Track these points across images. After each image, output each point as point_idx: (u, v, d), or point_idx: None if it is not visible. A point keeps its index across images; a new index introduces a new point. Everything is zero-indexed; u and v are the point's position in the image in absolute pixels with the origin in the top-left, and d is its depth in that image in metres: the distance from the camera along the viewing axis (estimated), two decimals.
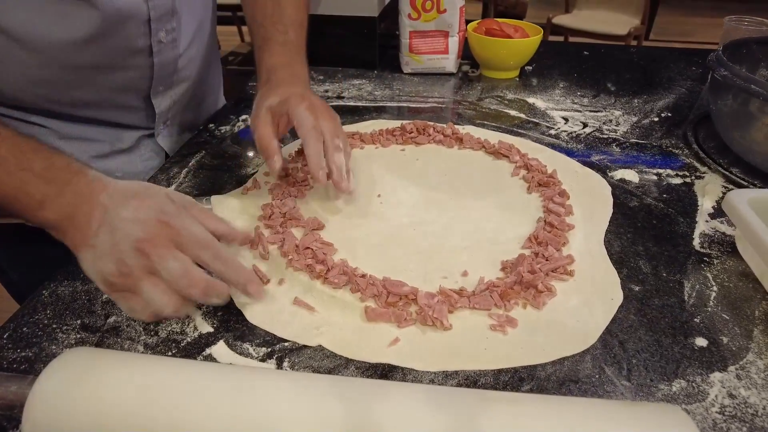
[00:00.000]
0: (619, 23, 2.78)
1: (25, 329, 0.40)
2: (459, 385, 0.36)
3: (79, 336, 0.40)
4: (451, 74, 0.87)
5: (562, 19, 2.90)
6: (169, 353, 0.39)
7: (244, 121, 0.74)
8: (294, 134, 0.54)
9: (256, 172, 0.61)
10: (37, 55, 0.49)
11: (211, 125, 0.72)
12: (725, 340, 0.40)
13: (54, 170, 0.40)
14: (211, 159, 0.64)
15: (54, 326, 0.41)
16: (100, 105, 0.58)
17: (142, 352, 0.39)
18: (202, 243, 0.40)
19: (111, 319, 0.41)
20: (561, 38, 2.95)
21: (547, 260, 0.45)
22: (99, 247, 0.38)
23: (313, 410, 0.29)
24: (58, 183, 0.39)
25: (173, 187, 0.58)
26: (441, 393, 0.31)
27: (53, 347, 0.39)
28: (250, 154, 0.65)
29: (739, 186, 0.58)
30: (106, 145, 0.62)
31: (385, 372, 0.37)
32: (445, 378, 0.37)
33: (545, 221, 0.50)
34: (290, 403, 0.29)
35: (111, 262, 0.38)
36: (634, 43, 2.80)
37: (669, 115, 0.75)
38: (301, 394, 0.30)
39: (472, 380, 0.37)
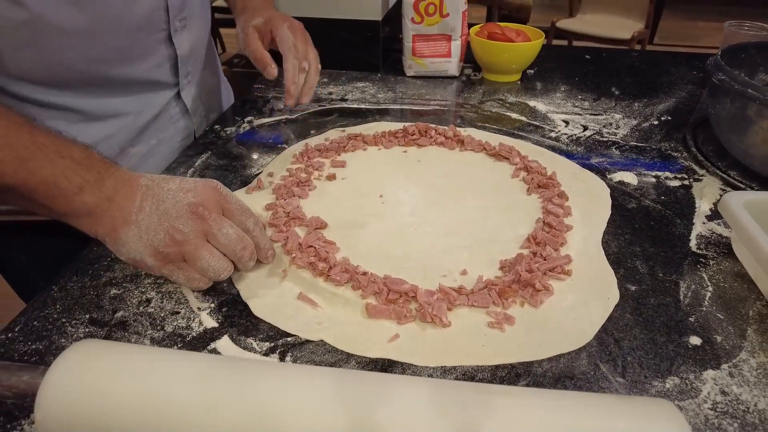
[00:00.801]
0: (623, 27, 2.79)
1: (35, 323, 0.42)
2: (456, 380, 0.37)
3: (87, 330, 0.41)
4: (453, 77, 0.89)
5: (566, 23, 2.91)
6: (175, 347, 0.40)
7: (249, 122, 0.75)
8: None
9: (261, 172, 0.62)
10: None
11: (216, 126, 0.73)
12: (719, 339, 0.40)
13: (92, 160, 0.41)
14: (217, 159, 0.66)
15: (63, 320, 0.42)
16: (129, 55, 0.58)
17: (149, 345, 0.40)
18: (246, 210, 0.44)
19: (118, 314, 0.43)
20: (565, 42, 2.96)
21: (545, 260, 0.46)
22: (144, 222, 0.40)
23: (318, 401, 0.30)
24: (97, 170, 0.41)
25: None
26: (443, 386, 0.31)
27: (63, 340, 0.40)
28: (255, 155, 0.67)
29: (737, 189, 0.58)
30: (138, 117, 0.63)
31: (384, 367, 0.38)
32: (443, 373, 0.38)
33: (544, 222, 0.51)
34: (296, 394, 0.30)
35: (161, 232, 0.40)
36: (638, 47, 2.81)
37: (669, 118, 0.76)
38: (307, 385, 0.31)
39: (469, 375, 0.37)
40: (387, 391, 0.30)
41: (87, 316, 0.42)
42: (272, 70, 0.63)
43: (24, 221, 0.61)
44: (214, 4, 3.22)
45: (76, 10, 0.50)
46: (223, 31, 3.43)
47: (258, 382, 0.31)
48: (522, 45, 0.83)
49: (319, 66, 0.66)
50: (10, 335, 0.41)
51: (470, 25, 0.88)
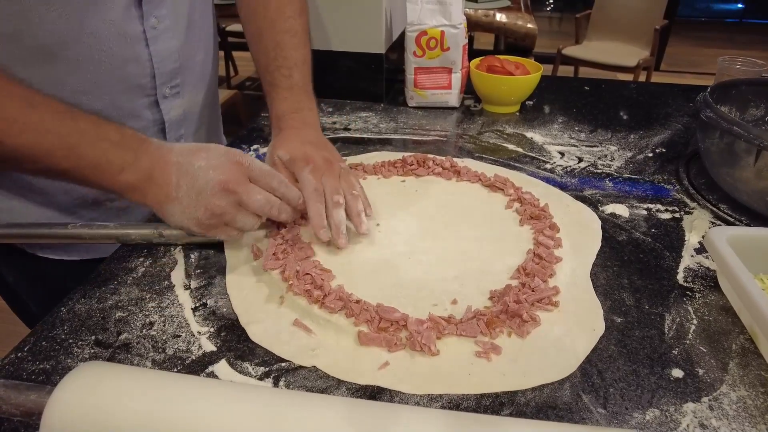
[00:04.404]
0: (629, 55, 2.83)
1: (44, 343, 0.44)
2: (442, 407, 0.39)
3: (92, 351, 0.43)
4: (454, 108, 0.91)
5: (572, 50, 2.96)
6: (175, 370, 0.42)
7: (255, 150, 0.78)
8: None
9: None
10: (38, 48, 0.50)
11: None
12: (701, 371, 0.41)
13: (127, 139, 0.47)
14: None
15: (70, 341, 0.44)
16: (108, 116, 0.54)
17: (150, 368, 0.42)
18: (269, 173, 0.51)
19: (123, 336, 0.45)
20: (571, 68, 3.00)
21: (533, 291, 0.47)
22: (184, 199, 0.47)
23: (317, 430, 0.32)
24: (132, 150, 0.47)
25: None
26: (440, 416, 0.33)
27: (69, 361, 0.42)
28: None
29: (727, 222, 0.60)
30: None
31: (373, 394, 0.40)
32: (430, 401, 0.39)
33: (534, 253, 0.52)
34: (297, 422, 0.32)
35: (201, 207, 0.47)
36: (644, 73, 2.84)
37: (663, 150, 0.77)
38: (310, 414, 0.33)
39: (455, 404, 0.39)
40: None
41: (93, 337, 0.45)
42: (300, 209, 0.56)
43: (13, 243, 0.62)
44: (229, 28, 3.33)
45: (50, 66, 0.51)
46: (236, 54, 3.53)
47: (258, 410, 0.33)
48: (520, 78, 0.86)
49: (357, 192, 0.56)
50: (19, 354, 0.43)
51: (477, 51, 0.90)
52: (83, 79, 0.54)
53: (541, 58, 1.09)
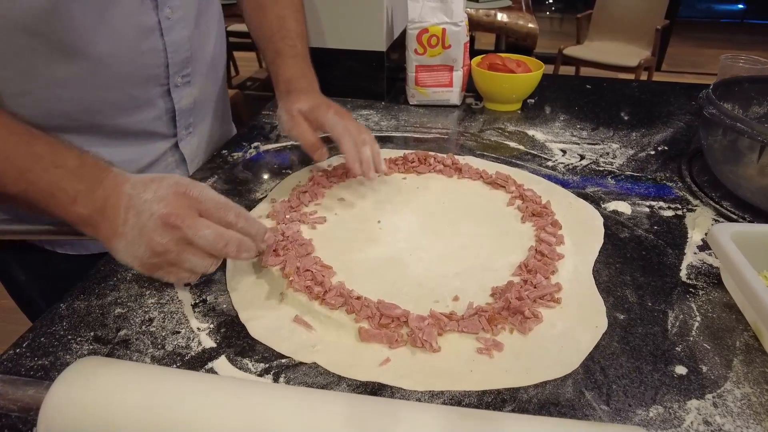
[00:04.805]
0: (630, 55, 2.83)
1: (42, 339, 0.44)
2: (444, 404, 0.38)
3: (91, 347, 0.43)
4: (455, 106, 0.91)
5: (573, 50, 2.95)
6: (174, 366, 0.41)
7: (255, 147, 0.77)
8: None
9: (265, 197, 0.64)
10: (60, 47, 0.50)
11: (224, 151, 0.76)
12: (705, 368, 0.41)
13: (85, 168, 0.44)
14: (223, 184, 0.68)
15: (69, 337, 0.44)
16: (125, 107, 0.59)
17: (149, 364, 0.41)
18: (223, 205, 0.45)
19: (122, 332, 0.44)
20: (572, 68, 3.00)
21: (535, 287, 0.47)
22: (129, 234, 0.42)
23: (321, 424, 0.31)
24: (89, 180, 0.43)
25: None
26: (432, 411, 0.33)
27: (67, 357, 0.42)
28: (260, 180, 0.69)
29: (730, 219, 0.59)
30: (131, 165, 0.63)
31: (374, 390, 0.39)
32: (431, 397, 0.39)
33: (536, 250, 0.52)
34: (294, 415, 0.32)
35: (143, 245, 0.42)
36: (645, 73, 2.83)
37: (665, 148, 0.77)
38: (307, 408, 0.32)
39: (456, 400, 0.38)
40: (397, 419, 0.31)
41: (92, 333, 0.44)
42: (323, 154, 0.63)
43: (22, 240, 0.62)
44: (229, 29, 3.33)
45: (70, 64, 0.51)
46: (237, 54, 3.54)
47: (257, 405, 0.32)
48: (522, 75, 0.85)
49: (373, 136, 0.63)
50: (18, 350, 0.43)
51: (478, 51, 0.90)
52: (104, 74, 0.55)
53: (543, 59, 1.09)
